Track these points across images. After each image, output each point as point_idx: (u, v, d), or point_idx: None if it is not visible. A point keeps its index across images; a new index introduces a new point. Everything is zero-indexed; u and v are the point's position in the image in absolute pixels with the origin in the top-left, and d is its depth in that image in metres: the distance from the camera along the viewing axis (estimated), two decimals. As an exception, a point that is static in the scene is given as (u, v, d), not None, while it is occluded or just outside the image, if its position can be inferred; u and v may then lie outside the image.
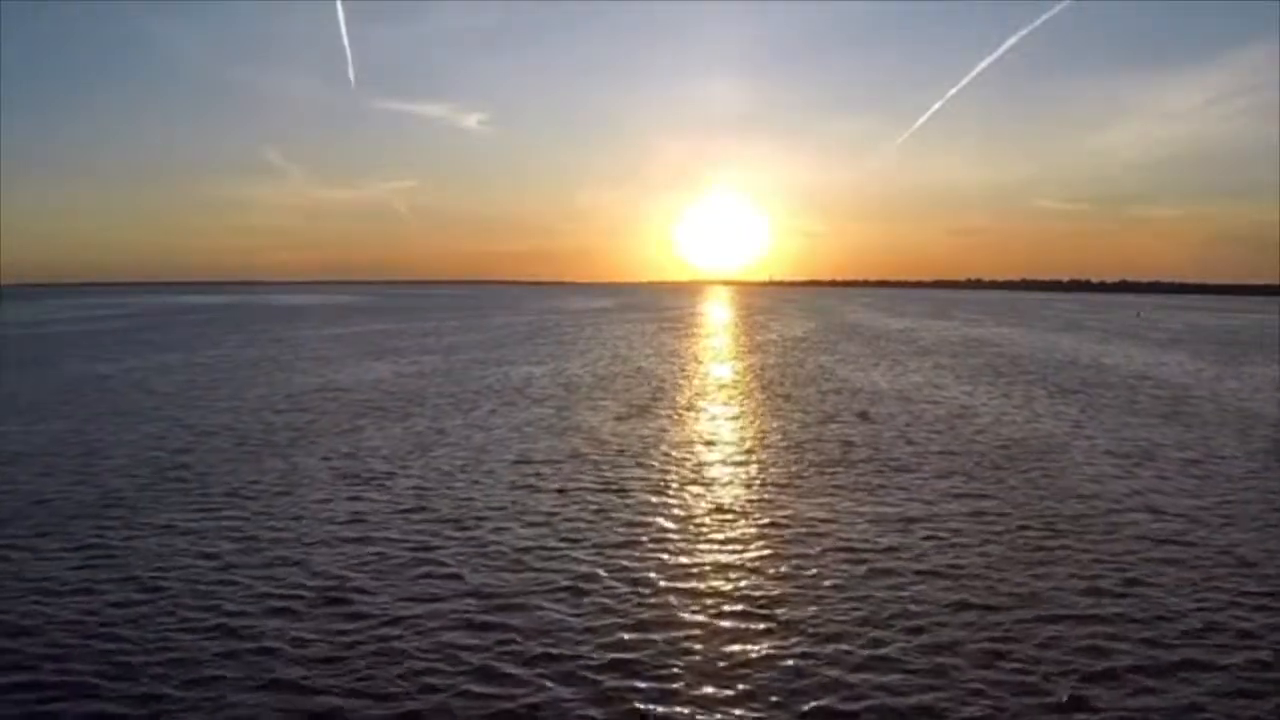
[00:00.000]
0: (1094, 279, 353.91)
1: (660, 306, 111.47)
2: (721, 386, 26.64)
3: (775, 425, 19.39)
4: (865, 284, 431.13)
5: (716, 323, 71.23)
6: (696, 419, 20.28)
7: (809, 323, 69.18)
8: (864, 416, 20.57)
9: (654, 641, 8.05)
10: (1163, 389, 26.60)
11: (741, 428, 19.16)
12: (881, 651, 7.83)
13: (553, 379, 28.16)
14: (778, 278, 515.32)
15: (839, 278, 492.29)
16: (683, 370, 31.32)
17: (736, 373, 30.75)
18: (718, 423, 19.80)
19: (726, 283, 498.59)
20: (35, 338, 50.26)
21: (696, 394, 24.74)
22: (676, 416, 20.54)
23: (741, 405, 22.62)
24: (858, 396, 24.18)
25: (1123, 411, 21.76)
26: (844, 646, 7.93)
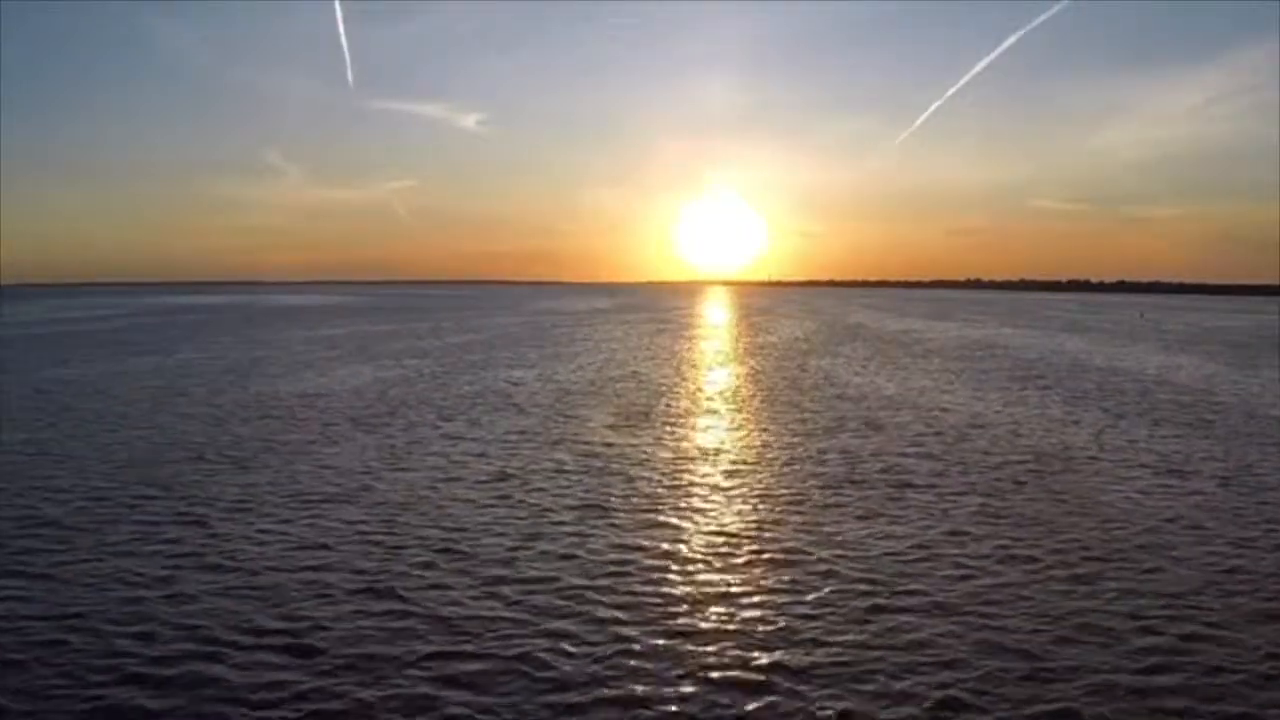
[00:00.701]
0: (1093, 279, 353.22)
1: (659, 307, 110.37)
2: (720, 393, 25.52)
3: (778, 436, 18.27)
4: (864, 284, 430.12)
5: (715, 324, 70.14)
6: (693, 430, 19.14)
7: (810, 324, 68.09)
8: (872, 426, 19.44)
9: (643, 698, 6.93)
10: (1184, 394, 25.47)
11: (741, 440, 18.03)
12: (904, 710, 6.71)
13: (542, 385, 27.04)
14: (776, 278, 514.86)
15: (837, 278, 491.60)
16: (679, 376, 30.19)
17: (736, 378, 29.64)
18: (716, 434, 18.66)
19: (726, 283, 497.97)
20: (18, 339, 49.09)
21: (693, 402, 23.60)
22: (671, 427, 19.40)
23: (741, 414, 21.50)
24: (864, 404, 23.06)
25: (1147, 420, 20.63)
26: (860, 705, 6.80)
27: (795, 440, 17.53)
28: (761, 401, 23.24)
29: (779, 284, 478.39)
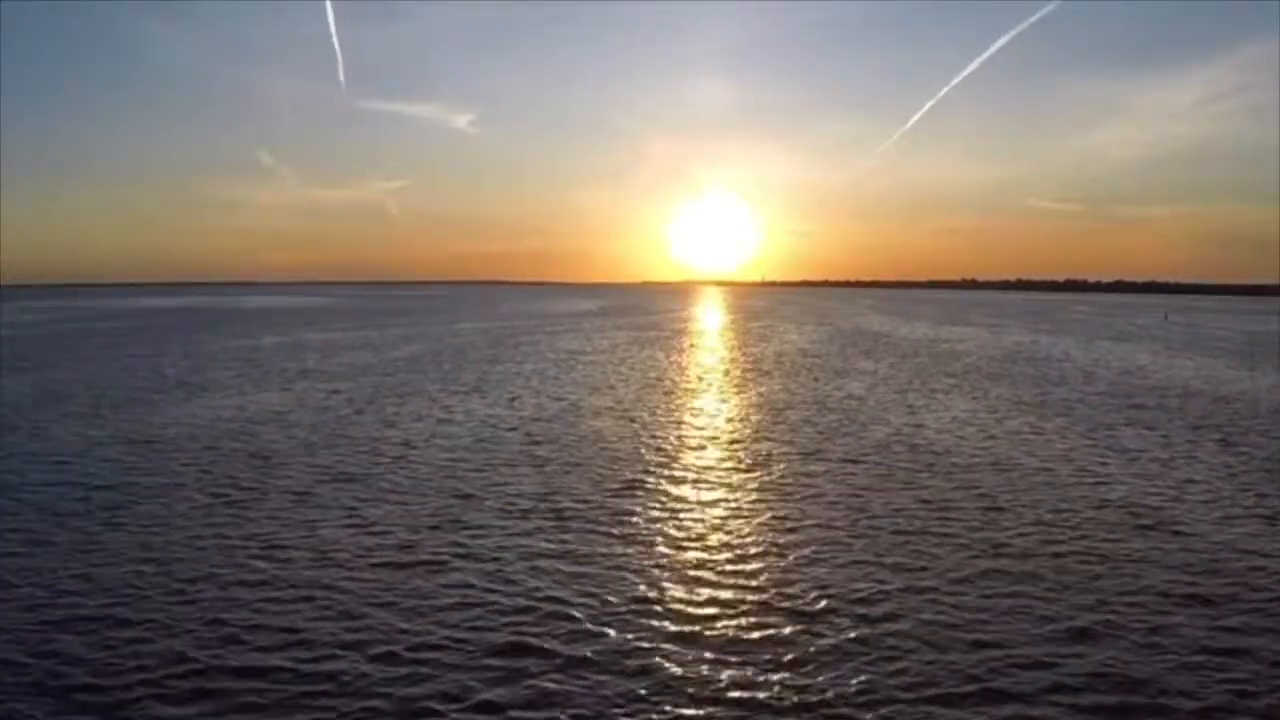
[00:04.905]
0: (1090, 279, 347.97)
1: (650, 310, 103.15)
2: (717, 440, 18.25)
3: (830, 546, 11.13)
4: (859, 284, 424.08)
5: (711, 330, 62.96)
6: (674, 534, 11.81)
7: (815, 330, 60.97)
8: (981, 509, 12.32)
9: None
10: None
11: (755, 545, 10.87)
12: None
13: (478, 425, 19.85)
14: (771, 278, 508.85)
15: (832, 278, 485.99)
16: (664, 410, 22.59)
17: (742, 417, 21.97)
18: (715, 549, 11.46)
19: (720, 283, 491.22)
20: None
21: (678, 468, 15.71)
22: (647, 514, 12.15)
23: (752, 486, 14.27)
24: (944, 463, 15.90)
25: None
26: None
27: (863, 561, 10.39)
28: (789, 463, 15.86)
29: (773, 284, 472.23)
